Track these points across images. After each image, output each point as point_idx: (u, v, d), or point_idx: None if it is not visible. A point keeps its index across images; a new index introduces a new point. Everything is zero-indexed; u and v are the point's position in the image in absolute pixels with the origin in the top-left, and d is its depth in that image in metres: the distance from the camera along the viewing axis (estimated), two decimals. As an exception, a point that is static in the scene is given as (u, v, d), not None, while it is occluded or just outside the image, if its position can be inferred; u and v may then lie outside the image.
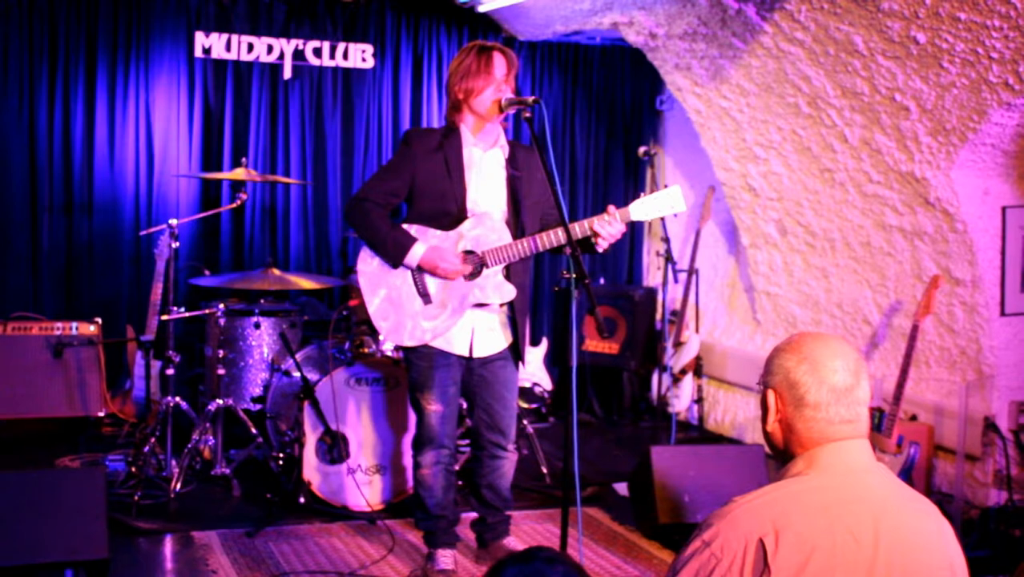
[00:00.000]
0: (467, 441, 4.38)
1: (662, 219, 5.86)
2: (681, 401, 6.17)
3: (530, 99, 3.53)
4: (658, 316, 6.57)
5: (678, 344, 6.18)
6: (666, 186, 3.76)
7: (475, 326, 3.76)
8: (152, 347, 4.83)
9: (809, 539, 1.77)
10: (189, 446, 4.71)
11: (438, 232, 3.70)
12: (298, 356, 4.70)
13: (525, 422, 5.17)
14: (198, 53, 5.94)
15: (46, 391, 5.36)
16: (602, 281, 6.82)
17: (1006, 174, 4.62)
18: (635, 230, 7.02)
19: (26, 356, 5.35)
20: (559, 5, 5.74)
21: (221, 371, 5.01)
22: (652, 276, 7.07)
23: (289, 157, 6.22)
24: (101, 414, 5.44)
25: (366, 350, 4.74)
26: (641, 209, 3.64)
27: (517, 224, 3.73)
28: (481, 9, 6.09)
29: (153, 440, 4.67)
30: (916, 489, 1.99)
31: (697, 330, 6.33)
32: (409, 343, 3.72)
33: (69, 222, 5.87)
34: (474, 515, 4.07)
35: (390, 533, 4.31)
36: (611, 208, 3.60)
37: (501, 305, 3.78)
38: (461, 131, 3.75)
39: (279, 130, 6.18)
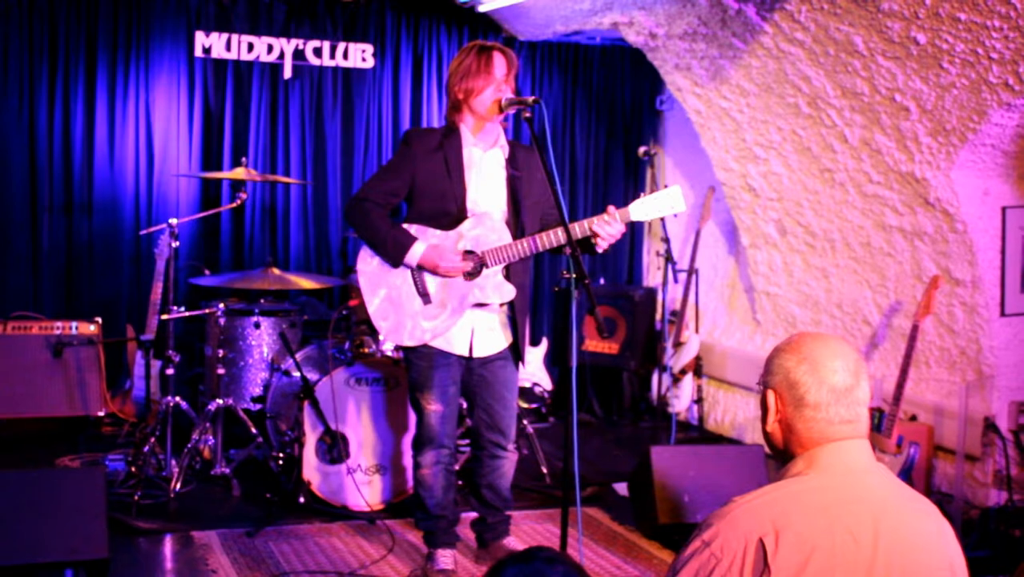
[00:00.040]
0: (467, 441, 4.39)
1: (662, 219, 5.86)
2: (681, 401, 6.17)
3: (530, 99, 3.53)
4: (658, 316, 6.57)
5: (678, 344, 6.18)
6: (666, 186, 3.76)
7: (475, 326, 3.76)
8: (152, 347, 4.83)
9: (809, 539, 1.78)
10: (189, 446, 4.71)
11: (438, 232, 3.70)
12: (298, 356, 4.70)
13: (525, 422, 5.17)
14: (198, 53, 5.94)
15: (46, 391, 5.36)
16: (602, 281, 6.82)
17: (1006, 174, 4.63)
18: (635, 230, 7.02)
19: (26, 355, 5.35)
20: (559, 5, 5.74)
21: (221, 371, 5.01)
22: (652, 276, 7.07)
23: (289, 157, 6.22)
24: (101, 414, 5.44)
25: (366, 350, 4.74)
26: (641, 209, 3.64)
27: (517, 224, 3.73)
28: (481, 9, 6.09)
29: (153, 440, 4.67)
30: (916, 489, 1.99)
31: (697, 330, 6.33)
32: (409, 343, 3.72)
33: (69, 222, 5.87)
34: (474, 515, 4.07)
35: (390, 533, 4.31)
36: (611, 208, 3.60)
37: (501, 305, 3.78)
38: (461, 131, 3.75)
39: (279, 130, 6.18)
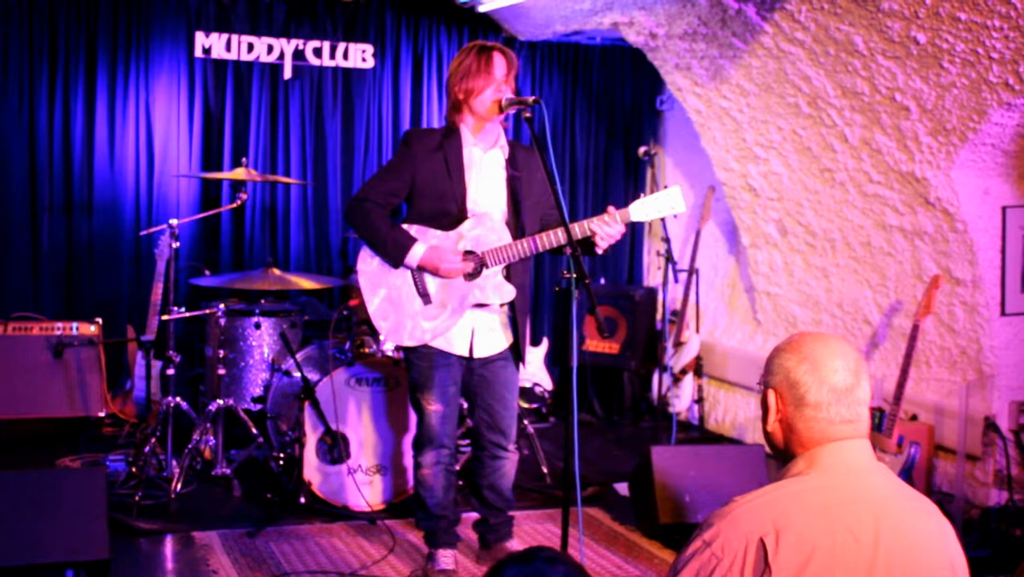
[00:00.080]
0: (467, 441, 4.39)
1: (662, 219, 5.86)
2: (681, 401, 6.17)
3: (530, 99, 3.53)
4: (658, 316, 6.57)
5: (678, 344, 6.18)
6: (666, 186, 3.76)
7: (475, 326, 3.76)
8: (152, 347, 4.83)
9: (809, 539, 1.77)
10: (190, 446, 4.71)
11: (438, 232, 3.70)
12: (298, 356, 4.70)
13: (526, 422, 5.17)
14: (198, 53, 5.94)
15: (46, 391, 5.36)
16: (602, 281, 6.82)
17: (1006, 174, 4.63)
18: (635, 230, 7.02)
19: (26, 356, 5.35)
20: (559, 5, 5.74)
21: (221, 371, 5.01)
22: (652, 276, 7.07)
23: (289, 157, 6.22)
24: (102, 414, 5.44)
25: (366, 350, 4.74)
26: (641, 210, 3.64)
27: (517, 224, 3.73)
28: (481, 9, 6.09)
29: (154, 440, 4.67)
30: (916, 489, 1.99)
31: (697, 330, 6.33)
32: (409, 343, 3.72)
33: (69, 222, 5.87)
34: (476, 515, 4.07)
35: (391, 533, 4.31)
36: (611, 209, 3.60)
37: (501, 305, 3.78)
38: (461, 131, 3.75)
39: (279, 130, 6.18)
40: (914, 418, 4.95)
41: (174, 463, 4.68)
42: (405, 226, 3.72)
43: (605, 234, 3.58)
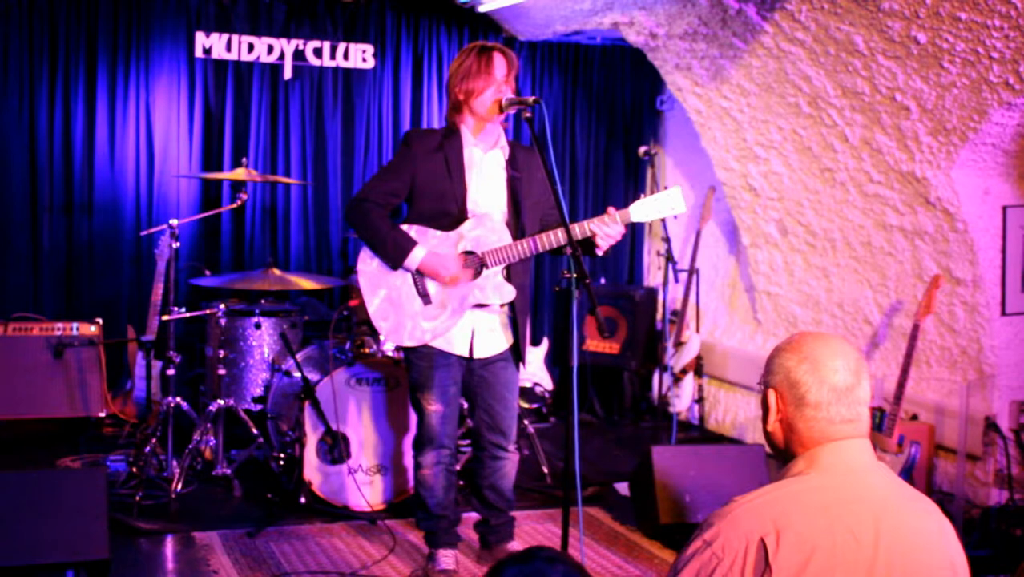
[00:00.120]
0: (468, 441, 4.38)
1: (663, 219, 5.86)
2: (682, 401, 6.17)
3: (530, 99, 3.53)
4: (659, 316, 6.57)
5: (679, 344, 6.18)
6: (666, 187, 3.76)
7: (475, 327, 3.76)
8: (153, 347, 4.83)
9: (810, 539, 1.77)
10: (190, 446, 4.71)
11: (438, 233, 3.70)
12: (299, 356, 4.70)
13: (526, 422, 5.17)
14: (198, 53, 5.94)
15: (47, 391, 5.36)
16: (603, 281, 6.82)
17: (1006, 174, 4.63)
18: (636, 230, 7.02)
19: (27, 356, 5.35)
20: (559, 5, 5.74)
21: (222, 371, 5.01)
22: (653, 276, 7.07)
23: (289, 157, 6.22)
24: (102, 414, 5.44)
25: (367, 350, 4.74)
26: (641, 210, 3.64)
27: (517, 225, 3.73)
28: (481, 9, 6.09)
29: (154, 440, 4.67)
30: (917, 488, 1.99)
31: (698, 330, 6.33)
32: (409, 343, 3.72)
33: (69, 222, 5.87)
34: (476, 515, 4.07)
35: (391, 533, 4.31)
36: (611, 209, 3.60)
37: (502, 306, 3.78)
38: (462, 132, 3.75)
39: (279, 130, 6.18)
40: (914, 418, 4.95)
41: (174, 463, 4.68)
42: (405, 227, 3.72)
43: (605, 235, 3.58)
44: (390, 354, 4.68)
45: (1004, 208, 4.67)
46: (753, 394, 6.08)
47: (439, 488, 3.86)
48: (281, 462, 4.61)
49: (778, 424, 1.95)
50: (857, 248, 5.18)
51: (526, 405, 6.08)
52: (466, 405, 4.10)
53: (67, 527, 3.54)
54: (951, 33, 4.06)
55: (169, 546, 4.16)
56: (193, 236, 6.07)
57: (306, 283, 5.08)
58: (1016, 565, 4.07)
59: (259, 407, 4.97)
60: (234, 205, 5.04)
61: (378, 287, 3.73)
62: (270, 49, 6.07)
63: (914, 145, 4.60)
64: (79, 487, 3.64)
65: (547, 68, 6.75)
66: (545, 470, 5.09)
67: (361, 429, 4.53)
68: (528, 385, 6.11)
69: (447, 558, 3.89)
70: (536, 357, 6.23)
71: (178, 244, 4.75)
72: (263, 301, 5.29)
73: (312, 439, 4.45)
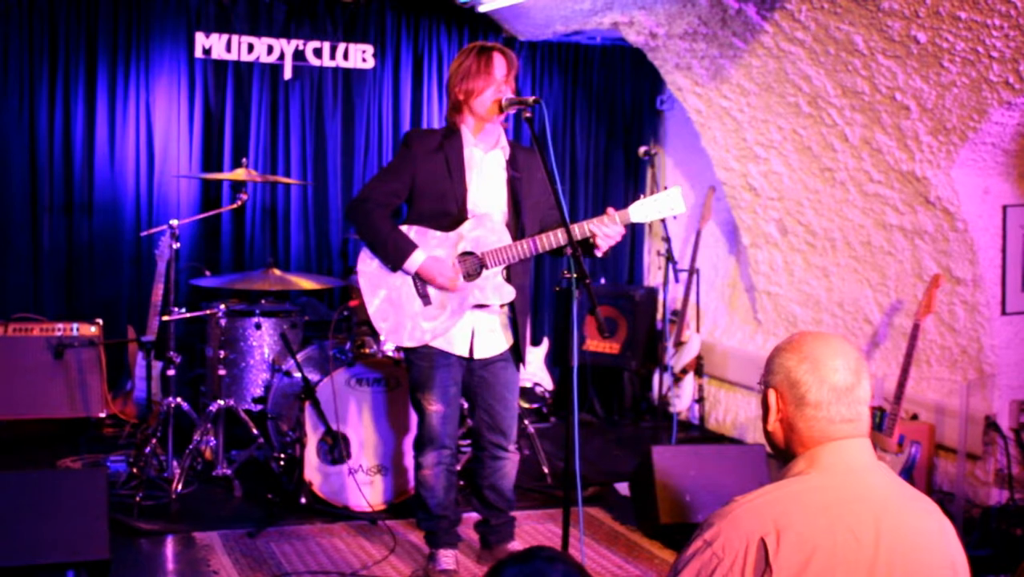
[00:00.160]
0: (468, 441, 4.38)
1: (663, 219, 5.86)
2: (682, 401, 6.17)
3: (530, 99, 3.54)
4: (659, 316, 6.57)
5: (679, 344, 6.18)
6: (666, 187, 3.76)
7: (476, 327, 3.76)
8: (153, 348, 4.83)
9: (810, 538, 1.77)
10: (190, 447, 4.71)
11: (438, 233, 3.70)
12: (299, 356, 4.70)
13: (526, 422, 5.17)
14: (198, 53, 5.94)
15: (47, 392, 5.36)
16: (603, 281, 6.82)
17: (1006, 173, 4.62)
18: (636, 230, 7.02)
19: (27, 357, 5.35)
20: (559, 5, 5.74)
21: (222, 372, 5.01)
22: (653, 276, 7.07)
23: (289, 157, 6.22)
24: (102, 415, 5.44)
25: (367, 350, 4.74)
26: (641, 211, 3.64)
27: (517, 225, 3.74)
28: (481, 9, 6.09)
29: (154, 441, 4.67)
30: (917, 488, 1.99)
31: (698, 330, 6.33)
32: (408, 344, 3.73)
33: (69, 222, 5.87)
34: (477, 515, 4.07)
35: (391, 533, 4.31)
36: (610, 210, 3.60)
37: (502, 306, 3.78)
38: (462, 132, 3.75)
39: (279, 130, 6.18)
40: (915, 417, 4.95)
41: (175, 464, 4.68)
42: (405, 227, 3.72)
43: (604, 235, 3.57)
44: (390, 354, 4.68)
45: (1004, 207, 4.67)
46: (753, 394, 6.08)
47: (440, 488, 3.86)
48: (281, 462, 4.61)
49: (778, 424, 1.95)
50: (857, 248, 5.18)
51: (526, 405, 6.08)
52: (466, 405, 4.10)
53: (67, 527, 3.54)
54: (951, 32, 4.06)
55: (169, 546, 4.16)
56: (193, 236, 6.07)
57: (306, 283, 5.08)
58: (1016, 565, 4.07)
59: (259, 407, 4.97)
60: (234, 205, 5.04)
61: (378, 287, 3.73)
62: (270, 49, 6.07)
63: (914, 144, 4.60)
64: (79, 487, 3.64)
65: (547, 68, 6.75)
66: (545, 470, 5.09)
67: (361, 429, 4.53)
68: (528, 385, 6.11)
69: (447, 558, 3.89)
70: (536, 357, 6.23)
71: (178, 244, 4.75)
72: (263, 301, 5.29)
73: (312, 439, 4.45)
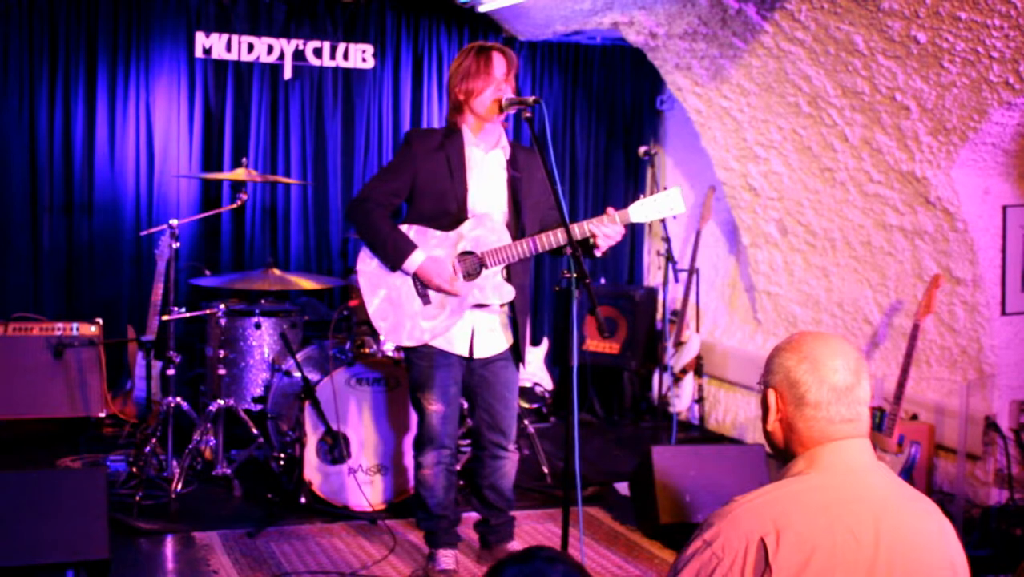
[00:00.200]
0: (468, 441, 4.38)
1: (662, 219, 5.86)
2: (682, 401, 6.17)
3: (530, 99, 3.54)
4: (659, 316, 6.57)
5: (679, 344, 6.18)
6: (666, 187, 3.76)
7: (475, 327, 3.76)
8: (153, 347, 4.83)
9: (810, 539, 1.77)
10: (190, 446, 4.71)
11: (438, 233, 3.70)
12: (299, 356, 4.70)
13: (526, 422, 5.17)
14: (198, 53, 5.94)
15: (47, 392, 5.36)
16: (603, 281, 6.82)
17: (1006, 173, 4.62)
18: (636, 230, 7.02)
19: (27, 357, 5.35)
20: (559, 5, 5.74)
21: (222, 371, 5.01)
22: (653, 276, 7.07)
23: (289, 157, 6.22)
24: (102, 415, 5.44)
25: (367, 350, 4.74)
26: (640, 211, 3.64)
27: (517, 225, 3.74)
28: (481, 9, 6.09)
29: (154, 440, 4.67)
30: (917, 488, 1.99)
31: (698, 330, 6.33)
32: (408, 343, 3.73)
33: (69, 222, 5.87)
34: (477, 515, 4.07)
35: (391, 533, 4.31)
36: (610, 210, 3.60)
37: (501, 305, 3.78)
38: (463, 132, 3.75)
39: (279, 130, 6.18)
40: (914, 417, 4.95)
41: (174, 463, 4.68)
42: (405, 227, 3.72)
43: (604, 235, 3.57)
44: (390, 354, 4.68)
45: (1004, 208, 4.67)
46: (753, 394, 6.08)
47: (439, 488, 3.86)
48: (281, 462, 4.61)
49: (778, 424, 1.95)
50: (857, 248, 5.18)
51: (526, 405, 6.08)
52: (466, 405, 4.10)
53: (67, 527, 3.54)
54: (951, 33, 4.06)
55: (169, 546, 4.16)
56: (193, 236, 6.07)
57: (306, 283, 5.09)
58: (1016, 565, 4.07)
59: (259, 407, 4.97)
60: (234, 205, 5.04)
61: (378, 287, 3.73)
62: (270, 49, 6.07)
63: (914, 145, 4.60)
64: (79, 487, 3.64)
65: (547, 68, 6.75)
66: (545, 470, 5.09)
67: (361, 429, 4.53)
68: (528, 385, 6.11)
69: (447, 558, 3.89)
70: (536, 357, 6.23)
71: (178, 244, 4.75)
72: (263, 301, 5.29)
73: (312, 439, 4.45)
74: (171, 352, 4.76)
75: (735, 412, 6.28)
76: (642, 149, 6.25)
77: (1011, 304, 4.68)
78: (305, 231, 6.29)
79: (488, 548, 4.02)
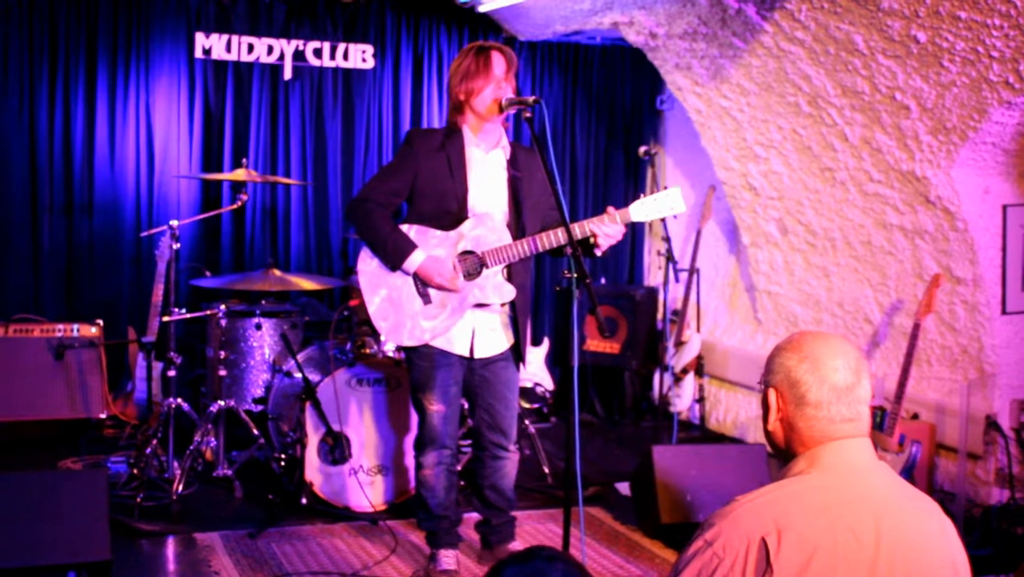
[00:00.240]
0: (469, 441, 4.38)
1: (663, 219, 5.86)
2: (683, 400, 6.17)
3: (530, 99, 3.54)
4: (659, 316, 6.57)
5: (679, 343, 6.18)
6: (666, 186, 3.76)
7: (476, 327, 3.76)
8: (153, 348, 4.83)
9: (811, 538, 1.77)
10: (191, 448, 4.71)
11: (438, 233, 3.70)
12: (299, 357, 4.70)
13: (527, 422, 5.17)
14: (198, 54, 5.94)
15: (47, 393, 5.36)
16: (603, 281, 6.82)
17: (1006, 172, 4.62)
18: (636, 230, 7.02)
19: (27, 358, 5.35)
20: (559, 5, 5.74)
21: (222, 372, 5.00)
22: (653, 276, 7.07)
23: (289, 158, 6.22)
24: (103, 416, 5.44)
25: (367, 351, 4.74)
26: (641, 210, 3.64)
27: (518, 225, 3.74)
28: (481, 9, 6.09)
29: (155, 442, 4.67)
30: (918, 488, 1.99)
31: (698, 329, 6.32)
32: (408, 343, 3.73)
33: (69, 223, 5.87)
34: (478, 516, 4.07)
35: (392, 534, 4.31)
36: (610, 209, 3.61)
37: (502, 305, 3.78)
38: (463, 132, 3.75)
39: (279, 131, 6.18)
40: (915, 417, 4.95)
41: (175, 464, 4.68)
42: (405, 227, 3.72)
43: (605, 234, 3.58)
44: (391, 354, 4.68)
45: (1004, 207, 4.67)
46: (754, 393, 6.08)
47: (440, 488, 3.86)
48: (282, 463, 4.61)
49: (778, 423, 1.95)
50: (857, 247, 5.18)
51: (527, 405, 6.08)
52: (467, 405, 4.10)
53: (68, 528, 3.54)
54: (951, 32, 4.05)
55: (170, 547, 4.16)
56: (193, 237, 6.07)
57: (306, 284, 5.08)
58: (1017, 564, 4.07)
59: (260, 408, 4.97)
60: (234, 206, 5.04)
61: (378, 287, 3.73)
62: (270, 49, 6.07)
63: (914, 144, 4.60)
64: (80, 489, 3.64)
65: (547, 68, 6.75)
66: (546, 470, 5.09)
67: (362, 429, 4.53)
68: (529, 385, 6.11)
69: (448, 558, 3.89)
70: (537, 357, 6.23)
71: (178, 245, 4.75)
72: (263, 302, 5.29)
73: (313, 440, 4.45)
74: (172, 353, 4.76)
75: (736, 412, 6.28)
76: (642, 149, 6.25)
77: (1011, 303, 4.68)
78: (305, 231, 6.29)
79: (489, 548, 4.02)
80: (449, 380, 3.78)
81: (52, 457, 5.08)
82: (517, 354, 3.84)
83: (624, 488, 4.88)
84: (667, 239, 5.99)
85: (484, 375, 3.82)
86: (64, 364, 5.40)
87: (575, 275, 3.31)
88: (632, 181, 7.02)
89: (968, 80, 4.19)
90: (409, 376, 3.86)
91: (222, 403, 4.82)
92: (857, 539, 1.79)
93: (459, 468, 4.33)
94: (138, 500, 4.41)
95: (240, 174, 4.98)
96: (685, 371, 6.16)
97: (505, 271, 3.73)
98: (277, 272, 5.04)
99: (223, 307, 4.99)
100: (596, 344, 6.49)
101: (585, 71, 6.84)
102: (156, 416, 4.89)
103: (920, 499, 1.91)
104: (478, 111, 3.70)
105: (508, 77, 3.68)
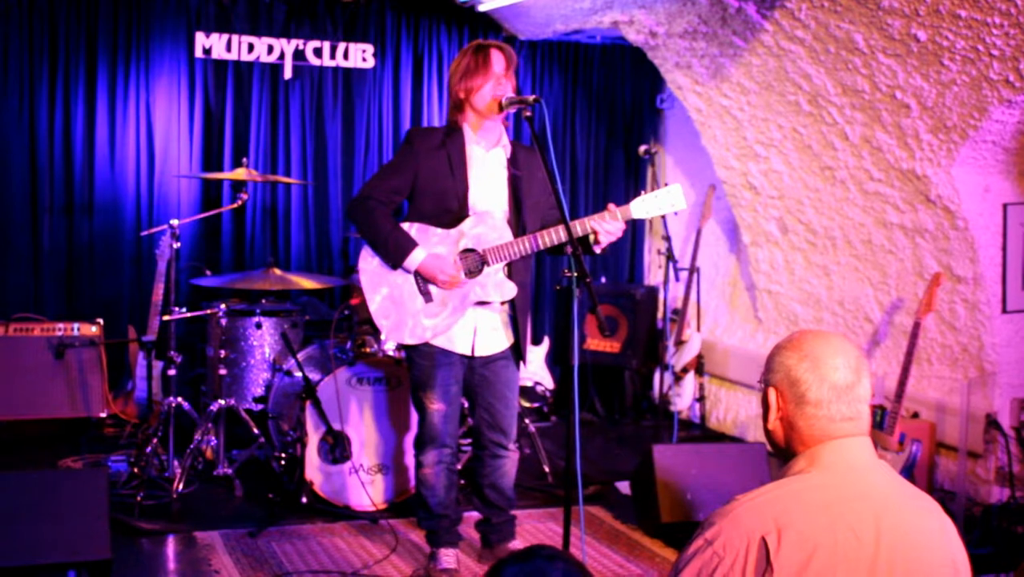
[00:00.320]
0: (469, 440, 4.38)
1: (663, 217, 5.87)
2: (683, 399, 6.17)
3: (530, 98, 3.54)
4: (659, 315, 6.57)
5: (680, 343, 6.18)
6: (666, 184, 3.76)
7: (477, 325, 3.76)
8: (154, 348, 4.83)
9: (811, 537, 1.77)
10: (191, 446, 4.72)
11: (439, 231, 3.70)
12: (300, 356, 4.70)
13: (527, 421, 5.17)
14: (198, 53, 5.94)
15: (48, 392, 5.36)
16: (603, 280, 6.82)
17: (1007, 171, 4.62)
18: (636, 228, 7.02)
19: (28, 357, 5.36)
20: (559, 4, 5.74)
21: (223, 371, 5.01)
22: (653, 275, 7.07)
23: (290, 157, 6.22)
24: (103, 415, 5.44)
25: (368, 349, 4.74)
26: (642, 207, 3.64)
27: (518, 223, 3.74)
28: (481, 8, 6.09)
29: (155, 441, 4.67)
30: (918, 486, 1.99)
31: (699, 328, 6.32)
32: (410, 341, 3.73)
33: (70, 222, 5.87)
34: (478, 514, 4.07)
35: (393, 533, 4.31)
36: (611, 206, 3.61)
37: (503, 304, 3.78)
38: (464, 130, 3.75)
39: (280, 130, 6.19)
40: (915, 416, 4.95)
41: (176, 463, 4.68)
42: (406, 225, 3.72)
43: (605, 231, 3.58)
44: (391, 353, 4.68)
45: (1005, 206, 4.67)
46: (754, 392, 6.08)
47: (440, 487, 3.86)
48: (282, 462, 4.61)
49: (779, 422, 1.95)
50: (858, 246, 5.18)
51: (527, 404, 6.08)
52: (467, 404, 4.10)
53: (68, 527, 3.54)
54: (951, 31, 4.05)
55: (171, 546, 4.17)
56: (194, 236, 6.07)
57: (307, 283, 5.09)
58: (1018, 563, 4.07)
59: (260, 407, 4.97)
60: (234, 205, 5.04)
61: (380, 285, 3.73)
62: (270, 49, 6.07)
63: (914, 143, 4.60)
64: (80, 487, 3.64)
65: (547, 67, 6.75)
66: (546, 469, 5.10)
67: (362, 428, 4.53)
68: (529, 384, 6.11)
69: (448, 557, 3.89)
70: (537, 356, 6.23)
71: (179, 244, 4.75)
72: (264, 301, 5.29)
73: (313, 439, 4.45)
74: (172, 352, 4.76)
75: (736, 411, 6.28)
76: (642, 148, 6.24)
77: (1012, 302, 4.68)
78: (306, 231, 6.29)
79: (489, 547, 4.02)
80: (450, 379, 3.78)
81: (52, 456, 5.08)
82: (517, 353, 3.84)
83: (624, 487, 4.88)
84: (667, 238, 5.99)
85: (484, 374, 3.82)
86: (64, 363, 5.41)
87: (575, 274, 3.31)
88: (632, 180, 7.02)
89: (968, 78, 4.19)
90: (410, 375, 3.86)
91: (222, 402, 4.82)
92: (857, 538, 1.79)
93: (459, 467, 4.33)
94: (138, 499, 4.41)
95: (240, 173, 4.98)
96: (685, 370, 6.16)
97: (506, 269, 3.73)
98: (277, 271, 5.04)
99: (223, 306, 5.00)
100: (596, 343, 6.49)
101: (585, 70, 6.84)
102: (156, 415, 4.89)
103: (920, 498, 1.91)
104: (478, 109, 3.70)
105: (507, 74, 3.69)
